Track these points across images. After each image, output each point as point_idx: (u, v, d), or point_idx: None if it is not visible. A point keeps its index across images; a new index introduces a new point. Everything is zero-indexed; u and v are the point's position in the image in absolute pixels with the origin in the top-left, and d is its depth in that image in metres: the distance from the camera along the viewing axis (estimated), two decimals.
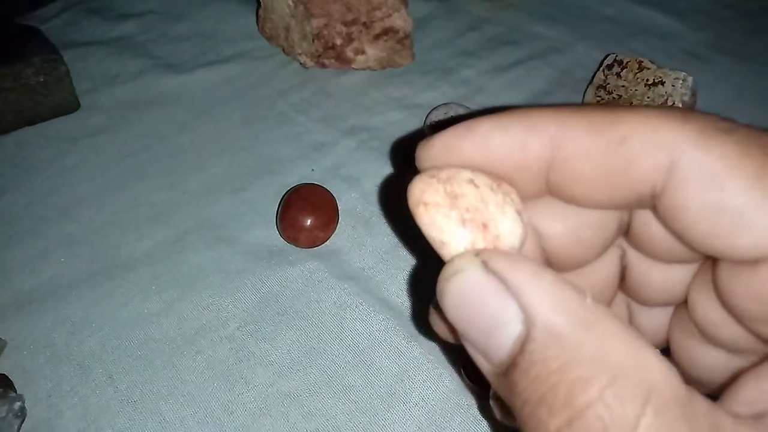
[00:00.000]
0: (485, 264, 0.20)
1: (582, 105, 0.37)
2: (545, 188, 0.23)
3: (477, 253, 0.21)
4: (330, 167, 0.60)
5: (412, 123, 0.63)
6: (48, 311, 0.50)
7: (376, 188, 0.58)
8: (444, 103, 0.63)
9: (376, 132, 0.63)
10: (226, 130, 0.64)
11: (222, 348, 0.48)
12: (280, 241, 0.54)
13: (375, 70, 0.69)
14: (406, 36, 0.67)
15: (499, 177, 0.23)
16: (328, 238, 0.54)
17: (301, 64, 0.70)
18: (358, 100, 0.67)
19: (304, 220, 0.52)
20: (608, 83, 0.60)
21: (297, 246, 0.53)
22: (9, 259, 0.54)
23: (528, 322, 0.18)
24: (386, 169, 0.60)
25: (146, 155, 0.62)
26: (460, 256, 0.21)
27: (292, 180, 0.59)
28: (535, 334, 0.18)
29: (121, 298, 0.51)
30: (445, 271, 0.21)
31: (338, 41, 0.66)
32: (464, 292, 0.20)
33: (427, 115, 0.62)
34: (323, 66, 0.69)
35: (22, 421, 0.45)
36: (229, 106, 0.66)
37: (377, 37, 0.66)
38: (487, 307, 0.19)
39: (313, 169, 0.60)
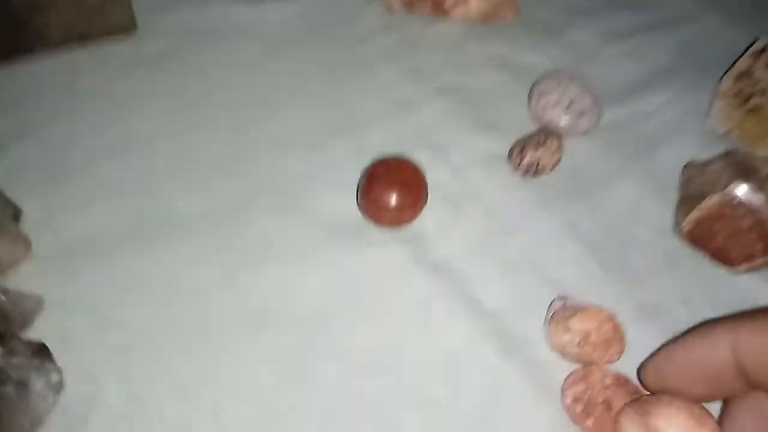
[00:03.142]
0: None
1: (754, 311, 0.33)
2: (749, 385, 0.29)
3: None
4: (415, 131, 0.52)
5: (514, 88, 0.55)
6: (92, 268, 0.44)
7: (469, 162, 0.51)
8: (555, 70, 0.54)
9: (470, 94, 0.55)
10: (300, 74, 0.56)
11: (288, 335, 0.42)
12: (357, 216, 0.47)
13: (473, 20, 0.59)
14: None
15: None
16: (413, 219, 0.46)
17: (386, 6, 0.61)
18: (451, 54, 0.58)
19: (389, 198, 0.44)
20: (755, 72, 0.50)
21: (377, 225, 0.46)
22: (52, 202, 0.47)
23: None
24: (481, 141, 0.52)
25: (207, 94, 0.54)
26: None
27: (373, 142, 0.51)
28: None
29: (174, 260, 0.44)
30: None
31: None
32: None
33: (535, 84, 0.53)
34: (412, 11, 0.60)
35: (58, 394, 0.39)
36: (305, 46, 0.58)
37: None
38: None
39: (396, 133, 0.52)
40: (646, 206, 0.49)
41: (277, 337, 0.41)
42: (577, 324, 0.40)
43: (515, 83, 0.56)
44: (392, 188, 0.44)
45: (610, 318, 0.40)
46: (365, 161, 0.49)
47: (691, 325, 0.37)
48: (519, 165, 0.49)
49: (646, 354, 0.38)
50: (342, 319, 0.42)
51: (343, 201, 0.48)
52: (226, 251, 0.45)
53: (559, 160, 0.50)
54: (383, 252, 0.45)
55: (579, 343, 0.39)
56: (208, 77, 0.56)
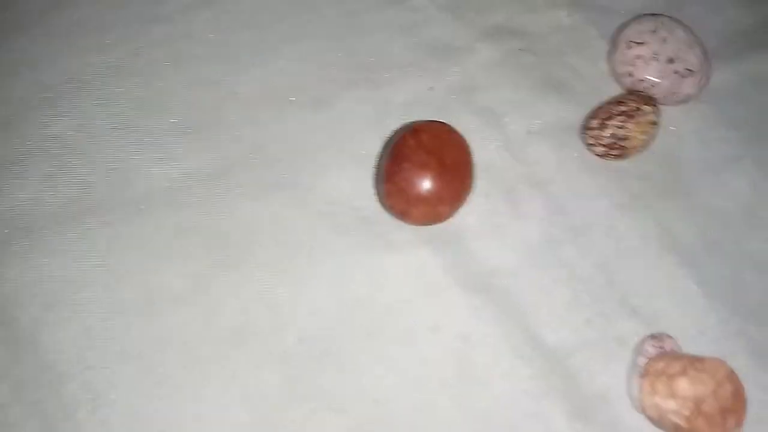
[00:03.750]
0: None
1: None
2: None
3: None
4: (458, 88, 0.39)
5: (590, 35, 0.41)
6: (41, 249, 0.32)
7: (529, 135, 0.37)
8: (651, 14, 0.40)
9: (533, 40, 0.41)
10: (299, 3, 0.41)
11: (270, 374, 0.30)
12: (375, 206, 0.35)
13: None
14: None
15: None
16: (452, 215, 0.34)
17: None
18: None
19: (422, 183, 0.32)
20: None
21: (405, 221, 0.33)
22: None
23: None
24: (546, 105, 0.39)
25: (184, 24, 0.40)
26: None
27: (398, 101, 0.38)
28: None
29: (131, 249, 0.33)
30: None
31: None
32: None
33: (620, 31, 0.39)
34: None
35: None
36: None
37: None
38: None
39: (431, 88, 0.39)
40: (766, 207, 0.36)
41: (258, 373, 0.30)
42: (688, 387, 0.28)
43: (592, 27, 0.42)
44: (428, 170, 0.32)
45: (732, 376, 0.28)
46: (389, 127, 0.37)
47: None
48: (597, 142, 0.36)
49: None
50: (349, 353, 0.31)
51: (355, 183, 0.36)
52: (195, 246, 0.33)
53: (652, 138, 0.36)
54: (408, 259, 0.34)
55: (689, 416, 0.28)
56: (180, 4, 0.41)
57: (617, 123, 0.36)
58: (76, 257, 0.33)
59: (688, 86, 0.38)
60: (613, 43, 0.40)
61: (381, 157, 0.34)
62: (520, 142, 0.38)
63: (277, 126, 0.37)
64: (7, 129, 0.36)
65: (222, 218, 0.34)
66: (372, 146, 0.37)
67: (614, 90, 0.39)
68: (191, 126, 0.37)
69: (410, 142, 0.33)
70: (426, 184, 0.32)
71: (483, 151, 0.37)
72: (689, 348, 0.31)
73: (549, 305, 0.33)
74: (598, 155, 0.37)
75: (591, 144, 0.37)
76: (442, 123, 0.34)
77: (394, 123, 0.37)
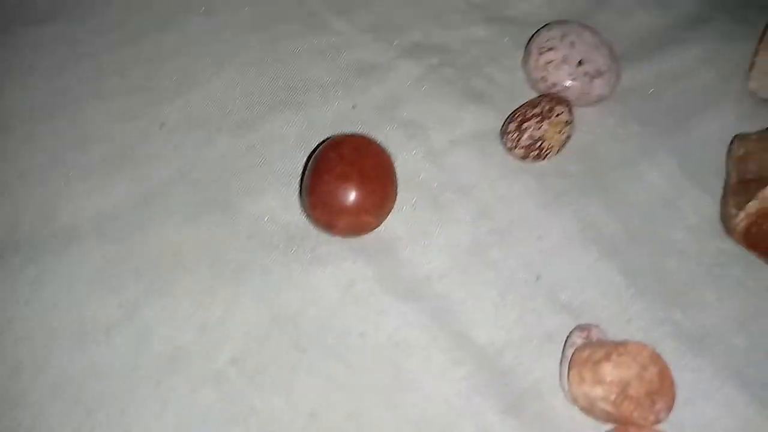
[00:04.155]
0: None
1: None
2: None
3: None
4: (380, 104, 0.40)
5: (505, 46, 0.43)
6: None
7: (452, 142, 0.38)
8: (559, 21, 0.42)
9: (451, 54, 0.42)
10: (227, 31, 0.42)
11: (205, 397, 0.30)
12: (302, 220, 0.35)
13: None
14: None
15: None
16: (379, 224, 0.34)
17: None
18: (427, 3, 0.45)
19: (346, 194, 0.32)
20: None
21: (331, 233, 0.33)
22: None
23: None
24: (466, 114, 0.40)
25: (107, 54, 0.41)
26: None
27: (323, 120, 0.39)
28: None
29: (59, 283, 0.32)
30: None
31: None
32: None
33: (533, 38, 0.41)
34: None
35: None
36: (235, 2, 0.44)
37: None
38: None
39: (354, 106, 0.39)
40: (682, 196, 0.38)
41: (193, 396, 0.30)
42: (612, 371, 0.28)
43: (506, 38, 0.43)
44: (349, 181, 0.32)
45: (656, 358, 0.29)
46: (312, 143, 0.37)
47: (752, 356, 0.28)
48: (516, 145, 0.37)
49: (701, 405, 0.29)
50: (280, 370, 0.31)
51: (282, 200, 0.36)
52: (125, 275, 0.33)
53: (568, 138, 0.38)
54: (339, 270, 0.34)
55: (615, 400, 0.28)
56: (107, 33, 0.42)
57: (533, 125, 0.37)
58: (1, 297, 0.32)
59: (599, 87, 0.40)
60: (527, 50, 0.42)
61: (306, 172, 0.35)
62: (442, 151, 0.38)
63: (204, 151, 0.38)
64: None
65: (150, 244, 0.34)
66: (298, 165, 0.37)
67: (530, 96, 0.40)
68: (117, 157, 0.37)
69: (331, 154, 0.33)
70: (349, 195, 0.32)
71: (407, 162, 0.38)
72: (618, 337, 0.32)
73: (478, 306, 0.33)
74: (518, 158, 0.38)
75: (510, 147, 0.38)
76: (361, 135, 0.35)
77: (317, 139, 0.38)
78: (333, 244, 0.34)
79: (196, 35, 0.43)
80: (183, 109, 0.39)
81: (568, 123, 0.37)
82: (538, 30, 0.42)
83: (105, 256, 0.34)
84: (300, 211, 0.35)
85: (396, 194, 0.35)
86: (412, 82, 0.41)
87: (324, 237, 0.34)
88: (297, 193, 0.36)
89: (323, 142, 0.35)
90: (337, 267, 0.34)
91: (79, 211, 0.35)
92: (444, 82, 0.41)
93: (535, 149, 0.37)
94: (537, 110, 0.37)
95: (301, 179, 0.36)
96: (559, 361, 0.32)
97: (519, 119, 0.37)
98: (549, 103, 0.38)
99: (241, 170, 0.37)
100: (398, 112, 0.40)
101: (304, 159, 0.37)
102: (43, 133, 0.38)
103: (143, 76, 0.40)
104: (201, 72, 0.41)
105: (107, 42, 0.42)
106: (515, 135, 0.37)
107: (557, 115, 0.37)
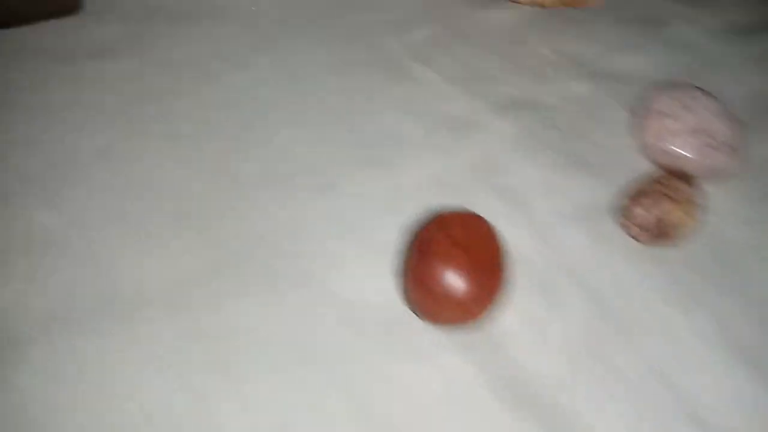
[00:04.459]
0: None
1: None
2: None
3: None
4: (475, 167, 0.36)
5: (607, 104, 0.39)
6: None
7: (559, 218, 0.34)
8: (673, 83, 0.37)
9: (548, 112, 0.38)
10: (300, 80, 0.38)
11: None
12: (399, 305, 0.30)
13: (545, 7, 0.42)
14: None
15: None
16: (485, 314, 0.29)
17: None
18: (516, 54, 0.41)
19: (455, 283, 0.28)
20: None
21: (433, 323, 0.29)
22: None
23: None
24: (573, 183, 0.35)
25: (171, 102, 0.37)
26: None
27: (412, 180, 0.35)
28: None
29: (123, 362, 0.28)
30: None
31: None
32: None
33: (642, 101, 0.37)
34: None
35: None
36: (308, 41, 0.41)
37: None
38: None
39: (445, 166, 0.35)
40: None
41: None
42: None
43: (608, 97, 0.39)
44: (458, 267, 0.28)
45: None
46: (405, 212, 0.33)
47: None
48: (637, 225, 0.32)
49: None
50: None
51: (374, 277, 0.31)
52: (194, 356, 0.28)
53: (694, 220, 0.33)
54: (435, 367, 0.29)
55: None
56: (170, 78, 0.38)
57: (656, 203, 0.33)
58: (63, 377, 0.28)
59: (724, 160, 0.35)
60: (637, 114, 0.37)
61: (405, 251, 0.30)
62: (549, 225, 0.34)
63: (281, 212, 0.33)
64: None
65: (223, 322, 0.30)
66: (389, 234, 0.33)
67: (643, 165, 0.36)
68: (187, 214, 0.33)
69: (437, 235, 0.29)
70: (457, 283, 0.28)
71: (512, 238, 0.33)
72: None
73: (606, 417, 0.28)
74: (638, 241, 0.33)
75: (629, 227, 0.33)
76: (471, 213, 0.30)
77: (410, 207, 0.33)
78: (432, 335, 0.30)
79: (268, 79, 0.39)
80: (257, 160, 0.35)
81: (697, 204, 0.33)
82: (648, 91, 0.38)
83: (174, 334, 0.29)
84: (395, 292, 0.31)
85: (506, 280, 0.30)
86: (508, 142, 0.37)
87: (422, 325, 0.30)
88: (390, 268, 0.31)
89: (427, 217, 0.30)
90: (435, 362, 0.29)
91: (144, 279, 0.31)
92: (543, 144, 0.37)
93: (659, 233, 0.33)
94: (660, 187, 0.33)
95: (399, 257, 0.31)
96: None
97: (639, 196, 0.33)
98: (674, 179, 0.33)
99: (325, 237, 0.33)
100: (495, 177, 0.36)
101: (395, 227, 0.33)
102: (105, 181, 0.34)
103: (214, 121, 0.36)
104: (277, 124, 0.37)
105: (171, 82, 0.38)
106: (635, 214, 0.33)
107: (684, 194, 0.33)
